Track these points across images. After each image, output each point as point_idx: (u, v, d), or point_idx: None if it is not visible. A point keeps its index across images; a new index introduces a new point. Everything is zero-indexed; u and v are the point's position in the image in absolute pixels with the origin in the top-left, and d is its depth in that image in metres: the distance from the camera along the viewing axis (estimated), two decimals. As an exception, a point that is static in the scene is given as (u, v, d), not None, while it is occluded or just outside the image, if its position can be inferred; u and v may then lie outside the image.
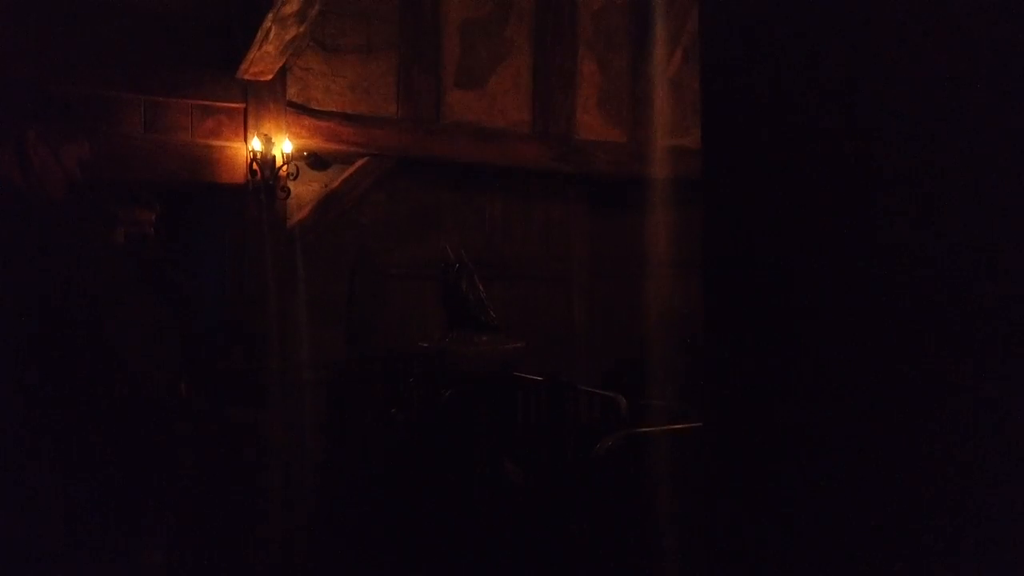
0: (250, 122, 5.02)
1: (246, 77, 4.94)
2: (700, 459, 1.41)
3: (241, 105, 5.01)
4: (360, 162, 5.46)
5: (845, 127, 0.89)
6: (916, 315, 0.79)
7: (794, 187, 0.96)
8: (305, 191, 5.33)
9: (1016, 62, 0.72)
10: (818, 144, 0.92)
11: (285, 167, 5.03)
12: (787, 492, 0.93)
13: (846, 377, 0.87)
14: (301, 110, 5.23)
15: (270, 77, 5.01)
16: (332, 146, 5.34)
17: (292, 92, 5.22)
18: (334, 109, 5.35)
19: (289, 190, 5.12)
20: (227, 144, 5.00)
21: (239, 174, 5.01)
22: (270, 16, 4.36)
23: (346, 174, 5.45)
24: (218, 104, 4.97)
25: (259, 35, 4.53)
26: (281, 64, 4.97)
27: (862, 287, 0.85)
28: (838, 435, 0.88)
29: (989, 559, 0.74)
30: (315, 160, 5.37)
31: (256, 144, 4.97)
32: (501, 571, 3.35)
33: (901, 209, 0.82)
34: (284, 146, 5.04)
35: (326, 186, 5.43)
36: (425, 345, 3.84)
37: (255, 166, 4.99)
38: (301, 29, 4.57)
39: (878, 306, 0.84)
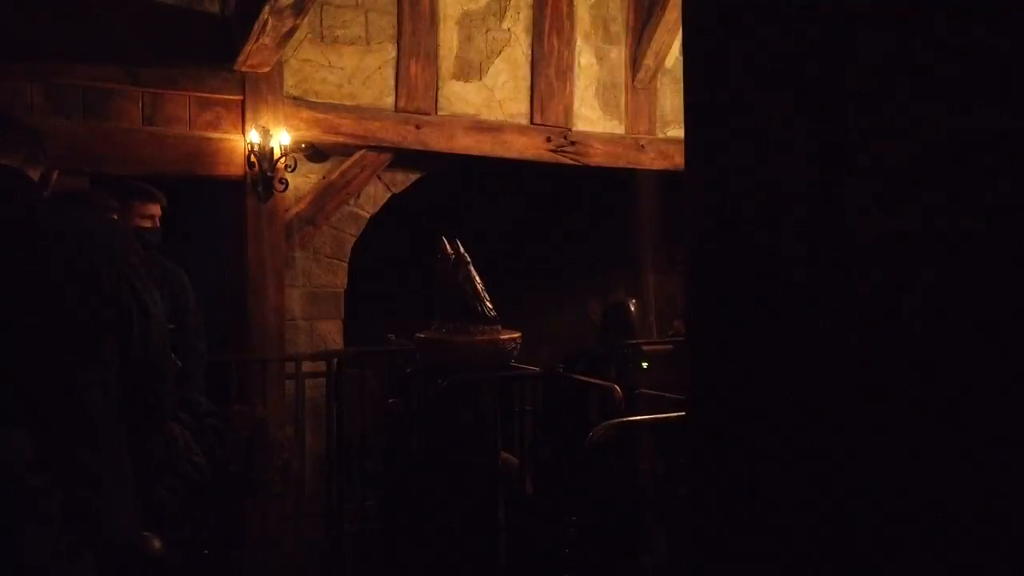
0: (248, 114, 5.02)
1: (243, 69, 4.94)
2: (686, 448, 1.43)
3: (239, 97, 5.01)
4: (358, 154, 5.47)
5: (826, 116, 0.90)
6: (898, 311, 0.80)
7: (774, 180, 0.97)
8: (303, 183, 5.34)
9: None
10: (798, 132, 0.93)
11: (283, 159, 5.03)
12: (767, 483, 0.95)
13: (827, 369, 0.89)
14: (299, 102, 5.23)
15: (267, 69, 5.01)
16: (330, 138, 5.34)
17: (290, 84, 5.22)
18: (332, 101, 5.35)
19: (287, 182, 5.13)
20: (225, 136, 5.00)
21: (237, 166, 5.02)
22: (267, 8, 4.37)
23: (344, 166, 5.46)
24: (216, 96, 4.97)
25: (256, 27, 4.53)
26: (278, 56, 4.97)
27: (842, 280, 0.86)
28: (820, 426, 0.90)
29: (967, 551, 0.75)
30: (313, 152, 5.37)
31: (254, 136, 4.97)
32: (498, 560, 3.38)
33: (881, 203, 0.83)
34: (282, 138, 5.04)
35: (324, 178, 5.44)
36: (422, 336, 3.86)
37: (253, 158, 4.99)
38: (298, 21, 4.57)
39: (856, 298, 0.85)
